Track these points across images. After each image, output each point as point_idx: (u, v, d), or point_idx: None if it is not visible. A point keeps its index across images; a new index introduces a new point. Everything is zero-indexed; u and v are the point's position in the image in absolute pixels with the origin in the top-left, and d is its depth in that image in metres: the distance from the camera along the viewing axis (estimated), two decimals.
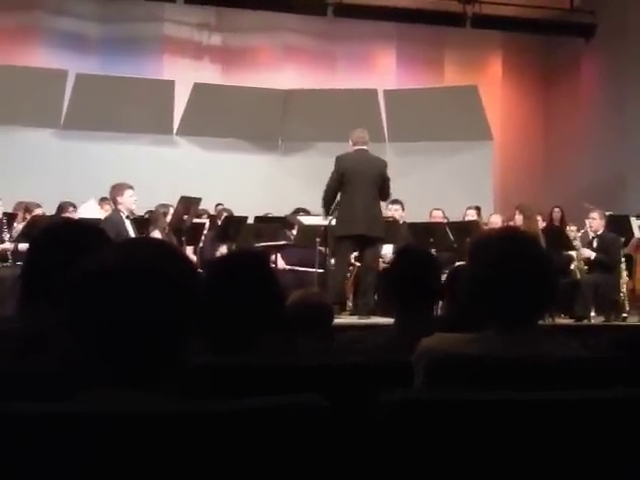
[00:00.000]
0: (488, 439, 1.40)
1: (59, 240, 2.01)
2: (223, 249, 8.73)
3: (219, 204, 10.57)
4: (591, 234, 8.56)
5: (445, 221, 9.49)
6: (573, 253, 8.55)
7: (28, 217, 8.27)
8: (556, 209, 11.15)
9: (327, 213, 7.79)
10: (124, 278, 1.25)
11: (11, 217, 8.25)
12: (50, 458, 1.16)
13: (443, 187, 11.63)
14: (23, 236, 7.80)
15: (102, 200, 9.43)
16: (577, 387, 1.62)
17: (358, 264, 8.25)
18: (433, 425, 1.36)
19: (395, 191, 8.28)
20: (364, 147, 7.76)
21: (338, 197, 7.71)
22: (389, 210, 8.96)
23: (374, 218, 7.64)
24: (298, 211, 9.95)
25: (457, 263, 6.96)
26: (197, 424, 1.22)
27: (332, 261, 8.10)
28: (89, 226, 2.29)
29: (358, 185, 7.57)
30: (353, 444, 1.32)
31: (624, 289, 8.35)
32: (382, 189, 7.71)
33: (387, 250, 8.87)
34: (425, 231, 8.87)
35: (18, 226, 8.09)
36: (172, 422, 1.22)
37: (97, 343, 1.26)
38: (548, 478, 1.44)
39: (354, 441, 1.33)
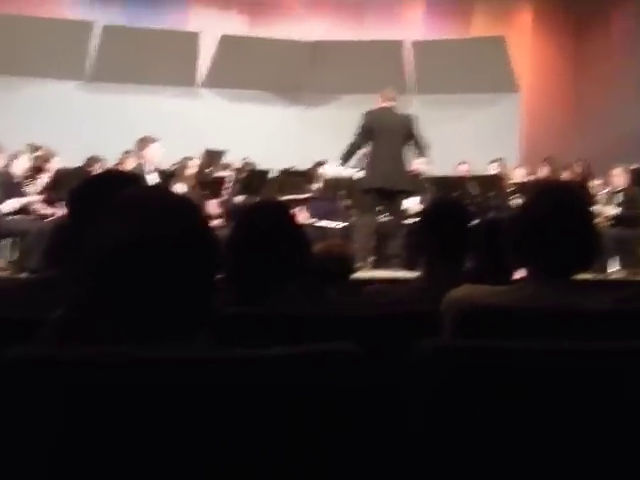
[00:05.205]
0: (519, 388, 1.41)
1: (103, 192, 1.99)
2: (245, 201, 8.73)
3: (245, 158, 10.55)
4: (615, 189, 8.47)
5: (469, 175, 9.44)
6: (598, 207, 8.46)
7: (48, 167, 8.29)
8: (578, 163, 10.86)
9: (342, 163, 8.08)
10: (141, 243, 1.26)
11: (36, 170, 8.27)
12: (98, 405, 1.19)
13: (469, 139, 11.53)
14: (49, 189, 7.87)
15: (126, 153, 9.45)
16: (608, 338, 1.62)
17: (384, 218, 8.29)
18: (468, 373, 1.37)
19: None
20: (392, 104, 7.88)
21: (365, 150, 7.92)
22: (414, 163, 8.94)
23: (399, 172, 7.75)
24: (319, 164, 9.93)
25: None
26: (231, 371, 1.24)
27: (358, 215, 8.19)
28: (130, 176, 2.29)
29: (383, 140, 7.73)
30: (388, 391, 1.33)
31: None
32: (416, 144, 7.87)
33: (411, 203, 8.86)
34: (449, 184, 8.84)
35: (41, 180, 8.11)
36: (206, 368, 1.23)
37: (125, 302, 1.28)
38: (577, 426, 1.45)
39: (389, 389, 1.34)
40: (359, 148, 7.92)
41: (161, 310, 1.28)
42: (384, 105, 7.87)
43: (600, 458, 1.45)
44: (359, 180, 8.11)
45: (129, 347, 1.26)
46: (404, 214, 8.24)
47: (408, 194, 8.24)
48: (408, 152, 7.93)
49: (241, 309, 2.05)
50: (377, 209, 8.15)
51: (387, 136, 7.71)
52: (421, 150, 7.94)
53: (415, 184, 8.41)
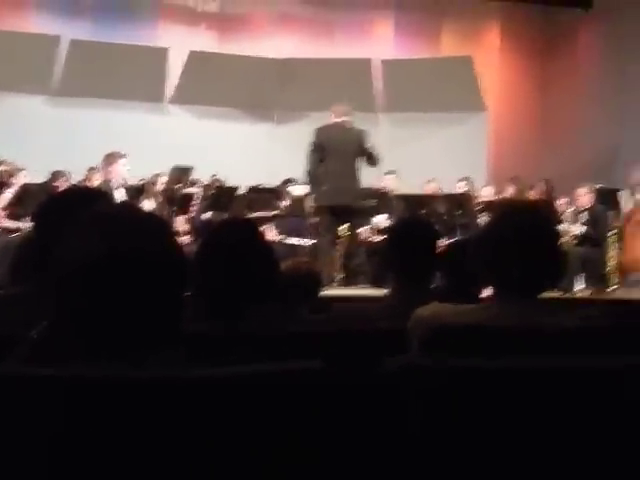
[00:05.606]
0: (487, 405, 1.42)
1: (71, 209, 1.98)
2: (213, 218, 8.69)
3: (214, 175, 10.53)
4: (580, 209, 8.56)
5: (437, 193, 9.50)
6: (564, 226, 8.54)
7: (14, 182, 8.21)
8: (540, 182, 10.92)
9: (315, 190, 7.90)
10: (110, 259, 1.26)
11: (1, 185, 8.19)
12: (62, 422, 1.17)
13: (437, 158, 11.60)
14: (14, 205, 7.78)
15: (91, 170, 9.38)
16: (573, 356, 1.64)
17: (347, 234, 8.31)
18: (433, 391, 1.38)
19: (389, 162, 8.27)
20: (344, 119, 7.78)
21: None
22: (383, 180, 8.98)
23: (350, 189, 7.65)
24: (287, 182, 9.94)
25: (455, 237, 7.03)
26: (200, 390, 1.23)
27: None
28: (96, 193, 2.28)
29: (334, 157, 7.61)
30: (356, 410, 1.33)
31: (612, 262, 8.39)
32: (368, 158, 7.71)
33: (379, 220, 8.90)
34: (417, 202, 8.88)
35: (6, 194, 8.03)
36: (174, 388, 1.22)
37: (86, 320, 1.27)
38: (542, 443, 1.46)
39: (357, 407, 1.34)
40: (317, 165, 7.71)
41: (129, 327, 1.27)
42: (336, 121, 7.80)
43: (567, 473, 1.46)
44: (317, 198, 7.97)
45: (98, 364, 1.24)
46: (358, 233, 8.23)
47: (363, 212, 8.17)
48: (361, 167, 7.79)
49: (209, 326, 2.04)
50: (343, 226, 8.12)
51: (338, 153, 7.60)
52: (373, 162, 7.76)
53: (381, 201, 8.42)
